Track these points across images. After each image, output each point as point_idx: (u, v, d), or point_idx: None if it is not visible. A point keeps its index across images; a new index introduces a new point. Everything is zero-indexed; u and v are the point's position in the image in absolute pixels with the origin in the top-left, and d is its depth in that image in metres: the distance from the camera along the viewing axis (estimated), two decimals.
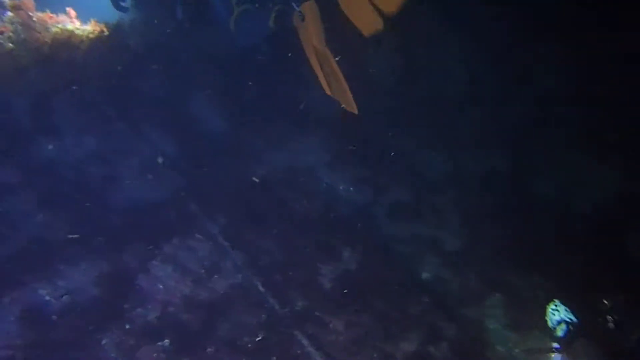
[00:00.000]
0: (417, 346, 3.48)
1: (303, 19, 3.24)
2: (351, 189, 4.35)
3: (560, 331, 3.44)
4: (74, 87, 4.14)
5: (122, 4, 4.24)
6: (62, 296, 3.10)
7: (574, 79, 4.89)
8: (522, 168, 4.82)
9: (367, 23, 3.25)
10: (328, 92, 3.31)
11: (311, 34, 3.19)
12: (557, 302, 3.52)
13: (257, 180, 4.17)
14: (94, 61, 4.25)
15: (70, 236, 3.40)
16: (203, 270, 3.47)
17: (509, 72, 5.11)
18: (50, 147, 3.87)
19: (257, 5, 3.54)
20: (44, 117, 3.99)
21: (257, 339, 3.21)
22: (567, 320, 3.45)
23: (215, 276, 3.45)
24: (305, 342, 3.25)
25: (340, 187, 4.31)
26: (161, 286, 3.35)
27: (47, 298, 3.12)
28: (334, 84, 3.30)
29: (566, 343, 3.40)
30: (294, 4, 3.28)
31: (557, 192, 4.65)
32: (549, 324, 3.50)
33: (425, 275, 4.10)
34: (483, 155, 5.03)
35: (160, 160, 3.98)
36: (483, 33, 5.17)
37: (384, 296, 3.73)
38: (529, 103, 5.06)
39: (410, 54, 5.52)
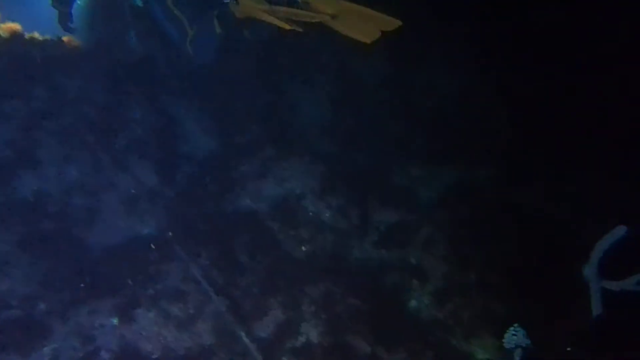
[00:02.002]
0: None
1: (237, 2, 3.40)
2: (341, 217, 4.30)
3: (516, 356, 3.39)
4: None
5: (70, 25, 4.20)
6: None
7: None
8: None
9: (366, 33, 3.46)
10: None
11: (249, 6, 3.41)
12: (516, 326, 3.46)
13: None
14: None
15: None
16: (186, 317, 3.47)
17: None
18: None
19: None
20: None
21: None
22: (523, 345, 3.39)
23: (199, 322, 3.46)
24: None
25: (327, 215, 4.26)
26: (143, 333, 3.36)
27: None
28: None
29: None
30: (224, 1, 3.46)
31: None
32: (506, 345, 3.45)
33: (412, 303, 4.12)
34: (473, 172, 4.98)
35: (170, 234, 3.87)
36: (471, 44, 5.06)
37: (375, 330, 3.76)
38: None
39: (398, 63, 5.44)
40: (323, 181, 4.44)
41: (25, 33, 4.22)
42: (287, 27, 3.37)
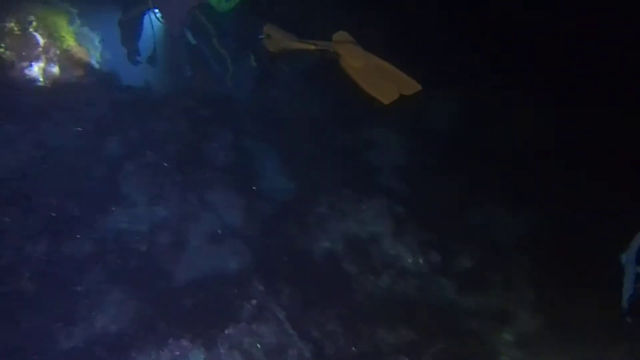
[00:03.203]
0: None
1: (269, 37, 3.66)
2: (420, 260, 4.21)
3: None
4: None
5: (138, 58, 4.55)
6: None
7: None
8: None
9: (385, 94, 3.59)
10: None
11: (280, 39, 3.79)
12: None
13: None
14: None
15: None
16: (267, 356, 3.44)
17: None
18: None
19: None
20: None
21: None
22: None
23: None
24: None
25: (409, 260, 4.18)
26: None
27: None
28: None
29: None
30: (259, 37, 3.70)
31: None
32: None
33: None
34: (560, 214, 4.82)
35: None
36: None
37: None
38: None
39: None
40: (401, 222, 4.38)
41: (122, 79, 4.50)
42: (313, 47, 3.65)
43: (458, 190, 5.33)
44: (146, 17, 4.38)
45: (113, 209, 3.87)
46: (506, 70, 5.40)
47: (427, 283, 4.15)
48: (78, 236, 3.69)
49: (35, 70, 4.41)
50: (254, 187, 4.43)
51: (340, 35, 3.82)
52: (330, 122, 5.44)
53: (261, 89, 4.71)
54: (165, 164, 4.20)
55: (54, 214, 3.74)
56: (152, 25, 4.26)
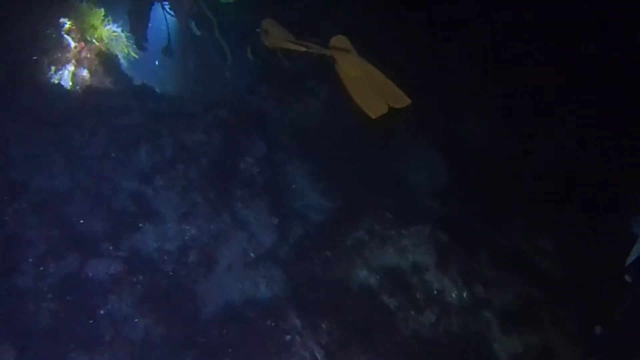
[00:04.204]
0: None
1: (266, 32, 3.63)
2: (465, 294, 3.91)
3: None
4: None
5: (145, 44, 4.62)
6: None
7: None
8: None
9: (374, 108, 3.63)
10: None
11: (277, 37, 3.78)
12: None
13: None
14: None
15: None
16: None
17: None
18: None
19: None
20: None
21: None
22: None
23: None
24: None
25: (453, 295, 3.88)
26: None
27: None
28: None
29: None
30: (257, 30, 3.66)
31: None
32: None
33: None
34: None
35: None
36: None
37: None
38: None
39: None
40: (444, 252, 4.09)
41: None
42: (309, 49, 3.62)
43: (501, 215, 5.07)
44: (158, 8, 4.40)
45: (141, 225, 3.63)
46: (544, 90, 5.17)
47: (472, 319, 3.84)
48: (103, 254, 3.45)
49: (66, 74, 4.22)
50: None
51: (338, 40, 3.72)
52: (364, 136, 5.18)
53: (259, 84, 4.67)
54: (196, 178, 3.95)
55: (79, 229, 3.51)
56: (165, 17, 4.28)
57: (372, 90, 3.66)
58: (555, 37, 5.01)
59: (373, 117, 3.67)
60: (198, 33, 4.01)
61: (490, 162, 5.47)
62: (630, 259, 3.59)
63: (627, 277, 3.58)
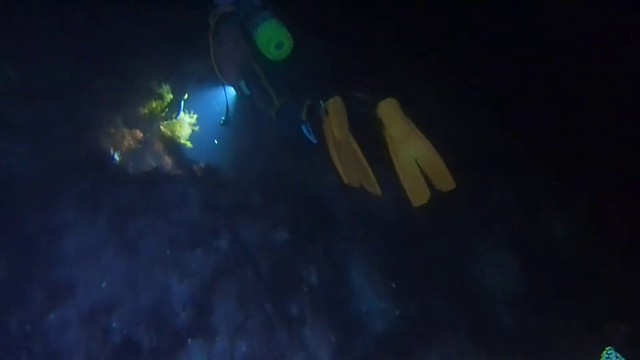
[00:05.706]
0: None
1: (327, 114, 3.34)
2: None
3: None
4: None
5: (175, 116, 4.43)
6: None
7: None
8: None
9: (418, 194, 3.39)
10: (345, 181, 3.33)
11: (332, 124, 3.30)
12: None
13: None
14: None
15: None
16: None
17: None
18: None
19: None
20: None
21: None
22: None
23: None
24: None
25: None
26: None
27: None
28: (354, 170, 3.38)
29: None
30: (321, 101, 3.38)
31: None
32: None
33: None
34: None
35: None
36: None
37: None
38: None
39: None
40: None
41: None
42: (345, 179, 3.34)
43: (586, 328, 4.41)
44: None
45: (189, 340, 3.27)
46: None
47: None
48: None
49: (124, 158, 4.03)
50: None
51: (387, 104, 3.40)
52: (433, 230, 4.69)
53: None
54: (254, 283, 3.58)
55: (123, 341, 3.19)
56: (224, 90, 4.06)
57: (420, 170, 3.38)
58: None
59: (415, 205, 3.39)
60: (247, 92, 3.83)
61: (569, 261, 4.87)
62: None
63: None
